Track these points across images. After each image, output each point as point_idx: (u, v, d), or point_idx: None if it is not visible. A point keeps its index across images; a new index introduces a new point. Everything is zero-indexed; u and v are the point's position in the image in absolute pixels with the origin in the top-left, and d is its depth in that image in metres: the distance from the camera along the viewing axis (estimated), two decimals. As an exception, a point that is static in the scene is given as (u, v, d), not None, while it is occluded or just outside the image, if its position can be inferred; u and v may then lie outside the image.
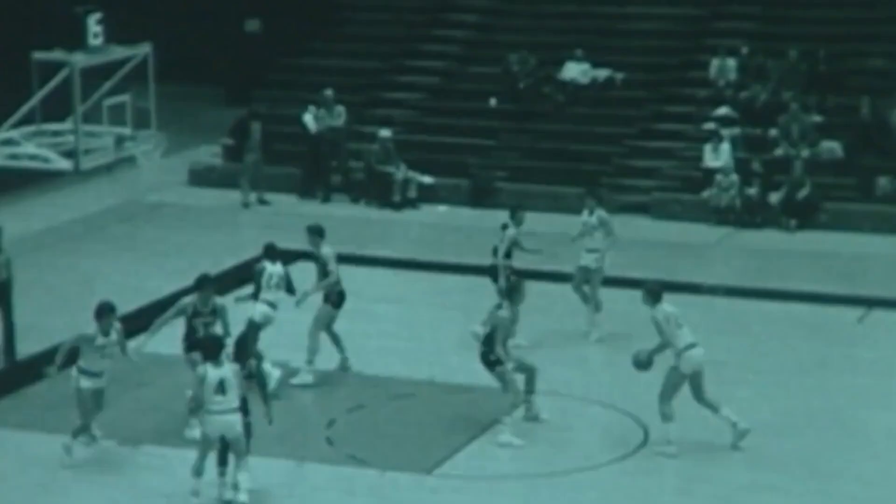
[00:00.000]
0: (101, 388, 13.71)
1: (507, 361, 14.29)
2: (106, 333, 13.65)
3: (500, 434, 14.37)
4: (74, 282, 19.43)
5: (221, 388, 12.63)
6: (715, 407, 14.21)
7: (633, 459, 14.09)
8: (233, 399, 12.69)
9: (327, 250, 15.87)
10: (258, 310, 15.52)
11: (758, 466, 13.94)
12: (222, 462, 12.94)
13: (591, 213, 17.10)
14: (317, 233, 15.97)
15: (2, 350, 16.34)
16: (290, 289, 15.88)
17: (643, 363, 14.20)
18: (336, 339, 15.98)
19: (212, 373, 12.66)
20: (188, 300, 14.45)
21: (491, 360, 14.39)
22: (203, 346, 13.25)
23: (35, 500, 13.20)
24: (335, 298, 15.83)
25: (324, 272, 15.81)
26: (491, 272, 16.83)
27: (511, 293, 14.56)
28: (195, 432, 13.49)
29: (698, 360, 14.07)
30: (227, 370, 12.71)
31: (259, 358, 14.29)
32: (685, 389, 14.15)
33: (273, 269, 15.73)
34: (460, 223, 22.30)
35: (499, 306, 14.58)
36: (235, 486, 12.81)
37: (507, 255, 16.77)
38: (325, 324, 15.85)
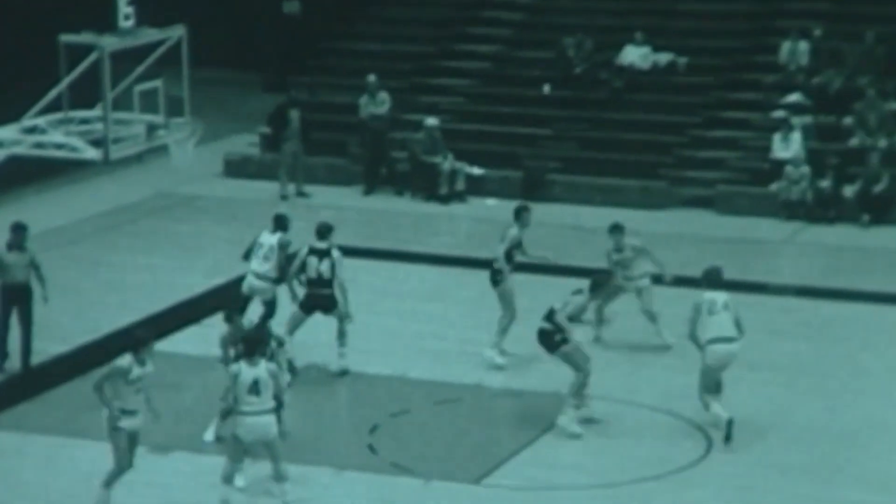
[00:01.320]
0: (139, 428, 12.99)
1: (572, 339, 14.55)
2: (143, 364, 12.91)
3: (561, 416, 14.57)
4: (102, 279, 19.54)
5: (256, 388, 12.61)
6: (710, 404, 14.45)
7: (696, 469, 13.97)
8: (267, 400, 12.67)
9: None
10: (245, 281, 15.70)
11: (831, 478, 13.78)
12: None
13: (620, 249, 16.70)
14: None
15: (20, 354, 16.40)
16: (281, 268, 16.05)
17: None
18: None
19: (246, 371, 12.64)
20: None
21: (556, 341, 14.50)
22: (244, 340, 13.05)
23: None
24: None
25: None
26: (492, 274, 16.37)
27: (595, 287, 14.96)
28: (215, 434, 13.54)
29: (726, 353, 14.36)
30: (263, 369, 12.69)
31: (280, 343, 14.13)
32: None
33: (267, 238, 15.78)
34: (511, 218, 22.17)
35: (578, 291, 14.89)
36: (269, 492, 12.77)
37: (508, 257, 16.32)
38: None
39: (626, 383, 15.59)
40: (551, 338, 14.62)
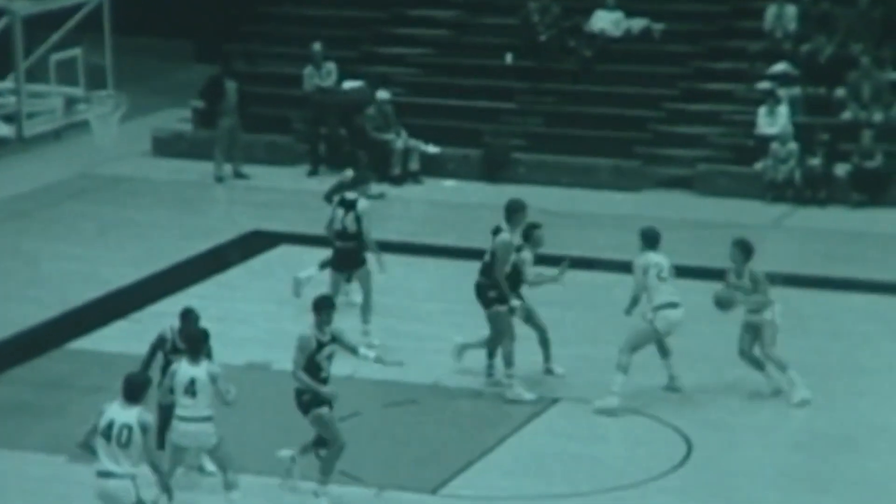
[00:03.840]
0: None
1: (508, 299, 15.07)
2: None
3: (507, 391, 15.19)
4: (15, 269, 19.47)
5: (192, 388, 12.68)
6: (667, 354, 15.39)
7: (673, 477, 14.11)
8: (203, 405, 12.70)
9: None
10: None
11: (812, 487, 13.94)
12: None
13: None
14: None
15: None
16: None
17: (724, 302, 15.31)
18: None
19: (184, 370, 12.73)
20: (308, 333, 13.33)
21: (489, 297, 15.11)
22: (189, 338, 13.16)
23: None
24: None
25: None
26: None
27: (511, 214, 15.27)
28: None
29: (677, 320, 15.08)
30: (203, 370, 12.73)
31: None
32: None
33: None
34: (470, 200, 22.31)
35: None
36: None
37: (515, 282, 15.47)
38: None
39: (596, 383, 15.69)
40: (485, 293, 15.26)
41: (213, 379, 12.79)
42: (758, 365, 15.51)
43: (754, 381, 15.62)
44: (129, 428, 11.51)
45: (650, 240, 15.39)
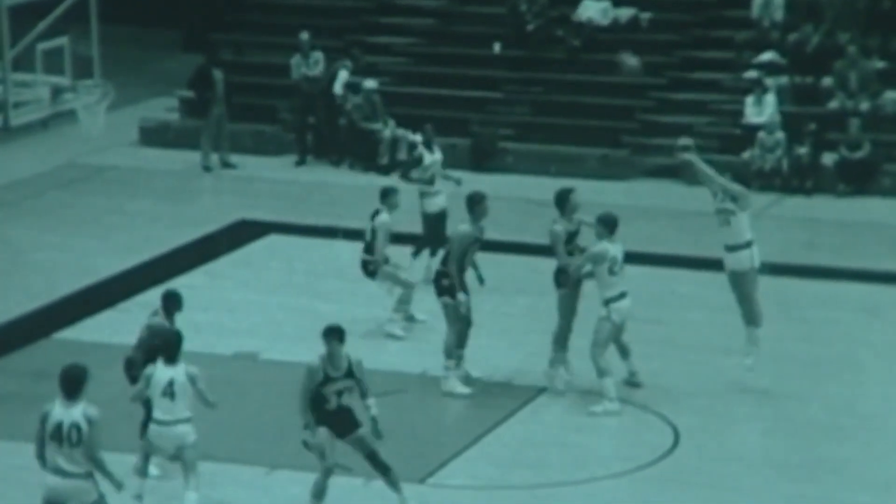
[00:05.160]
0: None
1: (459, 292, 15.11)
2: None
3: (444, 382, 15.27)
4: (3, 257, 19.45)
5: (170, 390, 12.51)
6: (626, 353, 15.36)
7: (658, 467, 14.13)
8: (182, 407, 12.56)
9: None
10: None
11: (797, 475, 13.98)
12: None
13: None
14: None
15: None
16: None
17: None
18: None
19: (161, 371, 12.56)
20: (316, 363, 12.66)
21: (442, 286, 15.26)
22: (164, 340, 12.92)
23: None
24: None
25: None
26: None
27: (472, 206, 15.33)
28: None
29: (627, 310, 15.01)
30: (182, 371, 12.55)
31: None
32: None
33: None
34: (458, 190, 22.25)
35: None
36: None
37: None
38: None
39: (582, 372, 15.70)
40: (439, 281, 15.37)
41: (193, 380, 12.62)
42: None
43: (740, 371, 15.63)
44: (78, 427, 11.15)
45: (609, 226, 15.02)
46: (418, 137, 23.52)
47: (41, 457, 11.36)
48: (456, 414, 15.30)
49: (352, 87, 23.62)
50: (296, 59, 23.98)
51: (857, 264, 19.16)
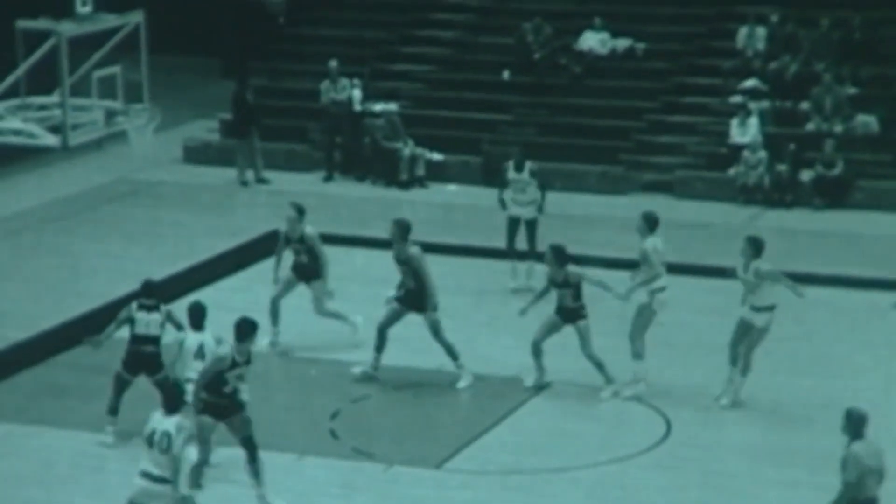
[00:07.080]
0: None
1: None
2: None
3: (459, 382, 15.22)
4: (61, 265, 19.46)
5: (201, 353, 13.01)
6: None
7: (653, 454, 14.10)
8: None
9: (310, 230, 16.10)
10: None
11: (784, 462, 13.93)
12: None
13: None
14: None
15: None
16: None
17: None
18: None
19: (192, 338, 13.10)
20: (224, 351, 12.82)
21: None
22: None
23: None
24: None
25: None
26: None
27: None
28: None
29: (666, 304, 14.92)
30: (209, 335, 13.12)
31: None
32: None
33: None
34: (471, 203, 22.28)
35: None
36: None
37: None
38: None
39: (584, 365, 15.67)
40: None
41: (219, 341, 13.19)
42: (734, 362, 15.06)
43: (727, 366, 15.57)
44: (169, 435, 11.11)
45: (653, 223, 14.95)
46: (435, 156, 23.61)
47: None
48: (468, 406, 15.28)
49: (369, 112, 23.65)
50: (325, 85, 23.98)
51: (831, 271, 19.10)
